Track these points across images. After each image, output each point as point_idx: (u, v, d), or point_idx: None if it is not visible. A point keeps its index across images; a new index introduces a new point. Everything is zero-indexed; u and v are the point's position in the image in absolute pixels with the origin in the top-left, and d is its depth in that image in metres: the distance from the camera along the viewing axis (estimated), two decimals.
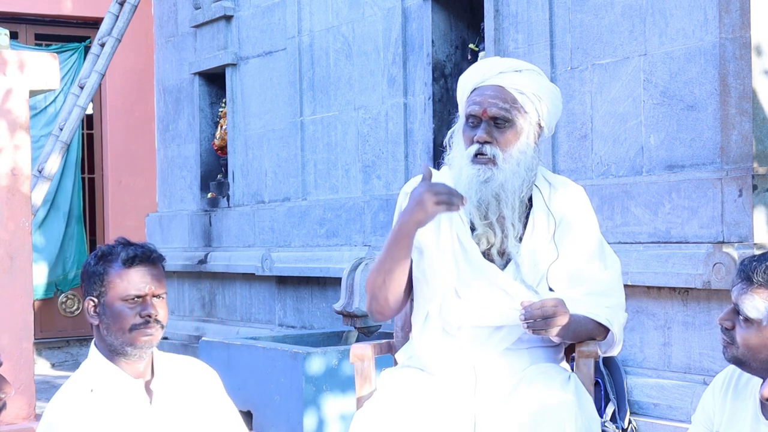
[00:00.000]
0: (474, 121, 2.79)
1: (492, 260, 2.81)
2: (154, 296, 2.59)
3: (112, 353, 2.60)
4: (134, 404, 2.59)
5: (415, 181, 2.96)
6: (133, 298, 2.57)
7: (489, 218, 2.79)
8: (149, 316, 2.57)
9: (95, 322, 2.60)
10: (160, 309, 2.60)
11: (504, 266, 2.81)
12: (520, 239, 2.81)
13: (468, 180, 2.77)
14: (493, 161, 2.75)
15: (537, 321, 2.60)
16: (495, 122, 2.77)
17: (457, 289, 2.79)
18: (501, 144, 2.76)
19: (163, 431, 2.61)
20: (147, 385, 2.64)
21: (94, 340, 2.66)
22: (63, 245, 9.15)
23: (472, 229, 2.82)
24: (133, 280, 2.57)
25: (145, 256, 2.60)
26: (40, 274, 8.86)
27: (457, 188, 2.81)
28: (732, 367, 2.54)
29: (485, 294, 2.77)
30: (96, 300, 2.59)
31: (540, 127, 2.85)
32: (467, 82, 2.86)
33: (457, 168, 2.82)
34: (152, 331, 2.58)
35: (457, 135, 2.88)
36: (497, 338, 2.78)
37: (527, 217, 2.84)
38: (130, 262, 2.58)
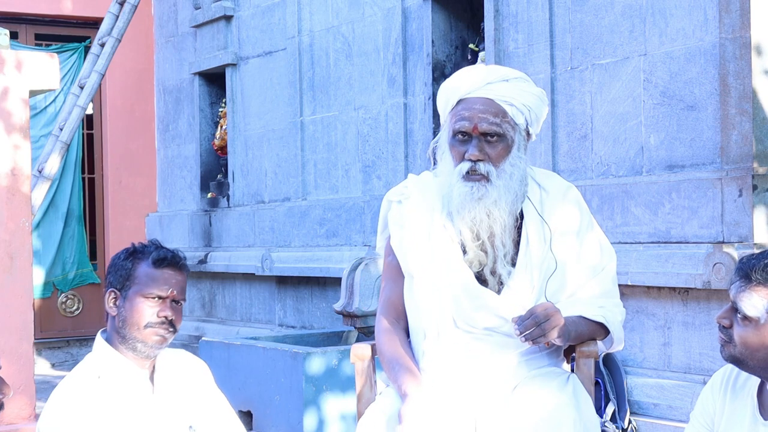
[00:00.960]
0: (464, 136, 2.72)
1: (486, 281, 2.75)
2: (174, 300, 2.68)
3: (122, 345, 2.67)
4: (139, 393, 2.67)
5: (398, 190, 2.90)
6: (155, 298, 2.65)
7: (481, 237, 2.72)
8: (166, 318, 2.65)
9: (113, 313, 2.68)
10: (177, 314, 2.69)
11: (498, 287, 2.75)
12: (512, 259, 2.74)
13: (461, 198, 2.70)
14: (486, 178, 2.69)
15: (533, 330, 2.55)
16: (486, 138, 2.70)
17: (455, 318, 2.73)
18: (493, 159, 2.70)
19: (164, 419, 2.69)
20: (150, 376, 2.72)
21: (100, 332, 2.73)
22: (63, 245, 9.13)
23: (464, 251, 2.75)
24: (159, 281, 2.66)
25: (175, 261, 2.69)
26: (37, 274, 8.85)
27: (448, 205, 2.76)
28: (730, 365, 2.54)
29: (483, 324, 2.72)
30: (118, 292, 2.67)
31: (528, 134, 2.80)
32: (451, 93, 2.77)
33: (447, 185, 2.75)
34: (164, 333, 2.66)
35: (442, 148, 2.80)
36: (498, 364, 2.73)
37: (519, 229, 2.78)
38: (159, 263, 2.66)
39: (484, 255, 2.73)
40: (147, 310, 2.64)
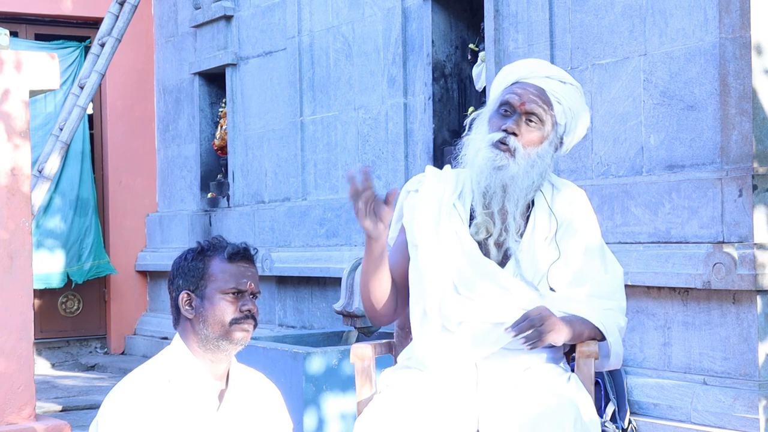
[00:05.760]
0: (508, 109, 2.81)
1: (489, 252, 2.81)
2: (252, 294, 2.63)
3: (201, 349, 2.62)
4: (203, 406, 2.60)
5: (416, 179, 2.98)
6: (235, 293, 2.60)
7: (491, 208, 2.80)
8: (249, 311, 2.60)
9: (190, 316, 2.62)
10: (256, 307, 2.64)
11: (501, 260, 2.81)
12: (521, 235, 2.81)
13: (482, 162, 2.78)
14: (511, 153, 2.77)
15: (530, 333, 2.62)
16: (528, 118, 2.79)
17: (456, 284, 2.79)
18: (525, 141, 2.78)
19: None
20: (220, 392, 2.65)
21: (178, 333, 2.66)
22: (76, 234, 9.01)
23: (472, 217, 2.83)
24: (236, 275, 2.60)
25: (248, 254, 2.65)
26: (56, 263, 8.80)
27: (470, 169, 2.84)
28: None
29: (485, 291, 2.77)
30: (192, 294, 2.61)
31: (561, 142, 2.88)
32: (511, 73, 2.88)
33: (474, 149, 2.83)
34: (249, 327, 2.61)
35: (480, 119, 2.90)
36: (497, 334, 2.77)
37: (528, 217, 2.85)
38: (233, 257, 2.61)
39: (492, 224, 2.80)
40: (229, 307, 2.58)
